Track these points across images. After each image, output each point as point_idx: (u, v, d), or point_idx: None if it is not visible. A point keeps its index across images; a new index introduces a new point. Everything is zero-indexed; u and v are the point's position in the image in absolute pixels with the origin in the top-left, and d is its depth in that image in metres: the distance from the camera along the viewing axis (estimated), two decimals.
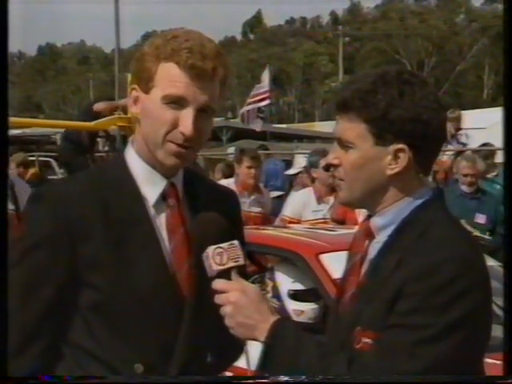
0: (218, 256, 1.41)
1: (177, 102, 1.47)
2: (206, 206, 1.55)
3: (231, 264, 1.42)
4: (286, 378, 1.38)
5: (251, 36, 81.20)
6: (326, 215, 5.47)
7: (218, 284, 1.43)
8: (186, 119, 1.47)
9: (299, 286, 3.58)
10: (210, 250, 1.42)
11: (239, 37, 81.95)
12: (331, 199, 5.46)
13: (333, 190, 5.48)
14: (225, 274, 1.42)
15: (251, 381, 1.43)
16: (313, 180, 5.68)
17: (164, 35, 1.51)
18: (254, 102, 11.64)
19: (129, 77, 1.78)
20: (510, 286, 1.34)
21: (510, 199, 1.42)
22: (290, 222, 5.37)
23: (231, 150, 11.84)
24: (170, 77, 1.47)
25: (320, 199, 5.49)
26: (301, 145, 17.03)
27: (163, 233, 1.54)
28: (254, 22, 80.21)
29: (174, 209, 1.56)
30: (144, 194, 1.54)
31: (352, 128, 1.46)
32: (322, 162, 5.45)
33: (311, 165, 5.68)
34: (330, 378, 1.36)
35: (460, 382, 1.35)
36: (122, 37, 21.33)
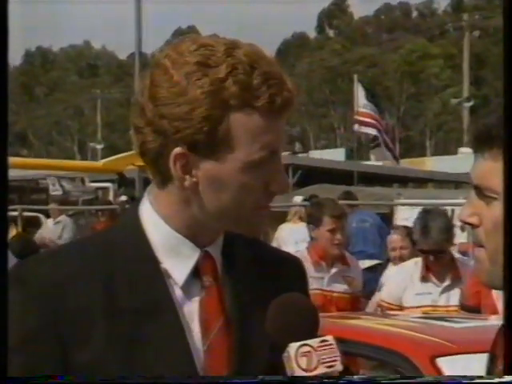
0: (305, 357, 1.43)
1: (267, 159, 1.52)
2: (255, 282, 1.59)
3: (324, 370, 1.43)
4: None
5: (330, 32, 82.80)
6: (436, 301, 5.32)
7: None
8: (280, 174, 1.55)
9: None
10: (293, 348, 1.43)
11: (313, 34, 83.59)
12: (447, 280, 5.33)
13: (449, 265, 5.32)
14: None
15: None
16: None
17: (200, 61, 1.46)
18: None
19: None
20: (510, 285, 1.37)
21: (510, 199, 1.44)
22: (389, 310, 5.36)
23: (299, 198, 11.96)
24: (254, 131, 1.49)
25: (427, 277, 5.33)
26: (405, 191, 17.03)
27: (195, 326, 1.56)
28: (335, 12, 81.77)
29: (210, 290, 1.58)
30: (168, 271, 1.57)
31: (498, 170, 1.44)
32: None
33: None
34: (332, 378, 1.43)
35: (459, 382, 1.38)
36: (144, 36, 21.81)
